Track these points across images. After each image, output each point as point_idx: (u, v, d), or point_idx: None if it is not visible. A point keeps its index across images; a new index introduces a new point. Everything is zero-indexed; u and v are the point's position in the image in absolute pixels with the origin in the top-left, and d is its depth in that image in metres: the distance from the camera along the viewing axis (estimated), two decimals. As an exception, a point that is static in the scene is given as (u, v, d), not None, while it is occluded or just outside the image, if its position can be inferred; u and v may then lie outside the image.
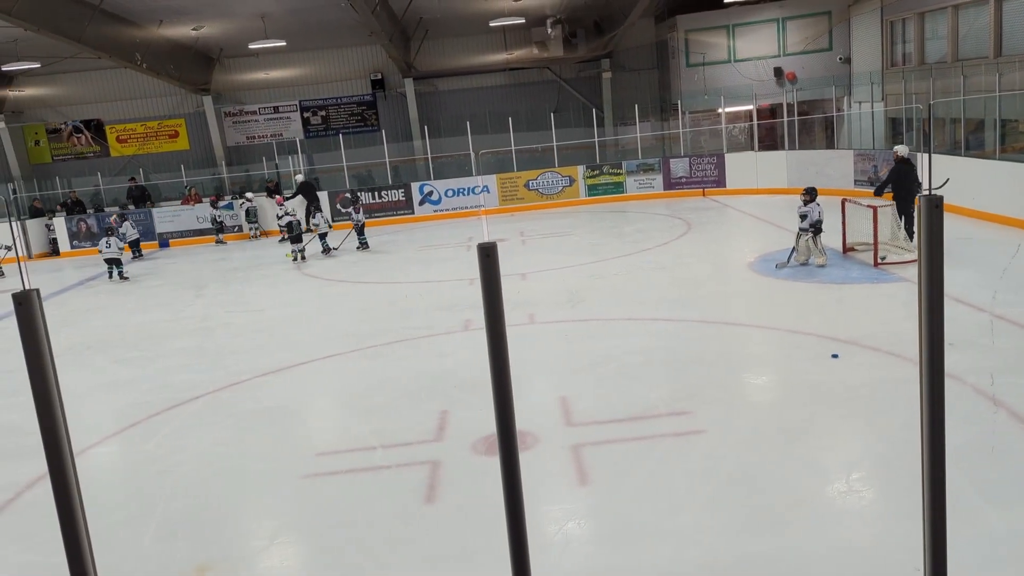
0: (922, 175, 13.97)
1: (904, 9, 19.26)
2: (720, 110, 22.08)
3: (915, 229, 11.81)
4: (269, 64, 25.68)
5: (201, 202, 22.13)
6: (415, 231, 19.91)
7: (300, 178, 21.44)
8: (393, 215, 21.86)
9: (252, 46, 22.31)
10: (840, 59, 22.31)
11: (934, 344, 2.03)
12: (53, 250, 21.70)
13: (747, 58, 22.89)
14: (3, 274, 18.11)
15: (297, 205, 20.07)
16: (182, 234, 21.79)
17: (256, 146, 26.30)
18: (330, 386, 8.78)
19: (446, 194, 21.94)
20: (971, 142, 16.33)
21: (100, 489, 6.32)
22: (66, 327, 12.44)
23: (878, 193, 12.67)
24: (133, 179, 23.86)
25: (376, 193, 21.96)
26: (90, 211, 22.46)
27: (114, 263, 16.50)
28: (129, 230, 19.37)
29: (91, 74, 24.99)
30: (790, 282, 11.07)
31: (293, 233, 16.94)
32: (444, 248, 16.91)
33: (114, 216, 19.19)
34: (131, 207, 22.55)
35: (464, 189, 22.01)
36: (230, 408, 8.11)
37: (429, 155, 23.08)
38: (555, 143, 22.03)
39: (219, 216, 21.19)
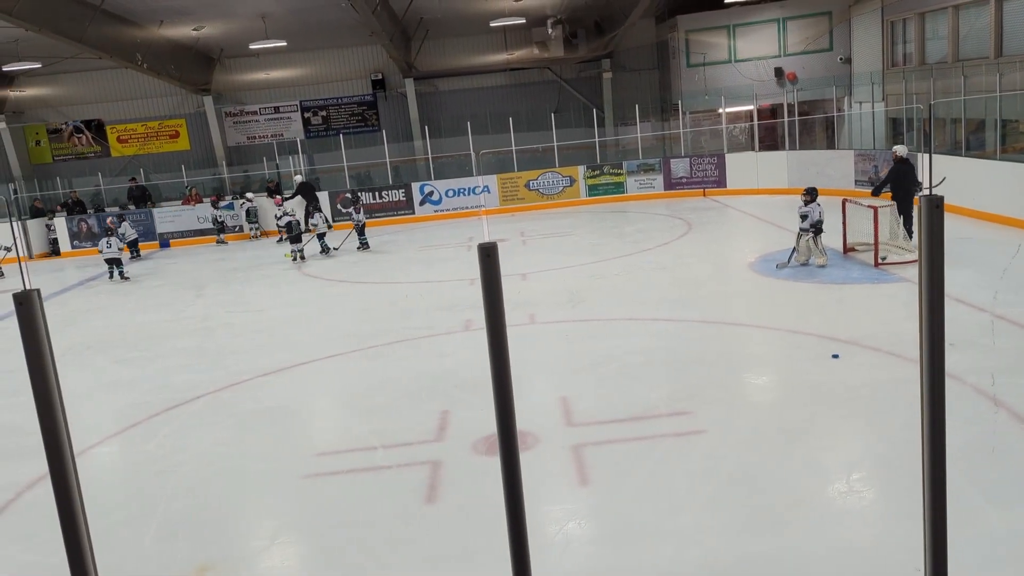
0: (922, 175, 13.98)
1: (904, 9, 19.25)
2: (721, 110, 22.08)
3: (913, 229, 11.85)
4: (270, 64, 25.69)
5: (202, 202, 22.14)
6: (416, 231, 19.91)
7: (299, 179, 21.46)
8: (394, 215, 21.86)
9: (253, 46, 22.32)
10: (841, 59, 22.30)
11: (935, 344, 2.03)
12: (53, 250, 21.71)
13: (748, 58, 22.89)
14: (3, 274, 18.12)
15: (296, 205, 20.08)
16: (183, 234, 21.80)
17: (257, 146, 26.31)
18: (331, 386, 8.79)
19: (447, 194, 21.94)
20: (972, 142, 16.33)
21: (101, 489, 6.33)
22: (67, 327, 12.44)
23: (875, 193, 12.69)
24: (134, 179, 23.86)
25: (377, 193, 21.97)
26: (90, 211, 22.47)
27: (115, 263, 16.51)
28: (128, 230, 19.37)
29: (92, 74, 25.01)
30: (791, 282, 11.07)
31: (292, 233, 16.95)
32: (445, 248, 16.91)
33: (110, 219, 19.16)
34: (131, 207, 22.56)
35: (465, 189, 22.01)
36: (231, 408, 8.11)
37: (430, 155, 23.09)
38: (555, 143, 22.04)
39: (220, 216, 21.21)
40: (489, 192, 21.92)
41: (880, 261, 11.28)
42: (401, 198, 21.95)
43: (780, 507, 5.09)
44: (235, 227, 21.48)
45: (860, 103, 21.57)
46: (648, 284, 11.89)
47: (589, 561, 4.75)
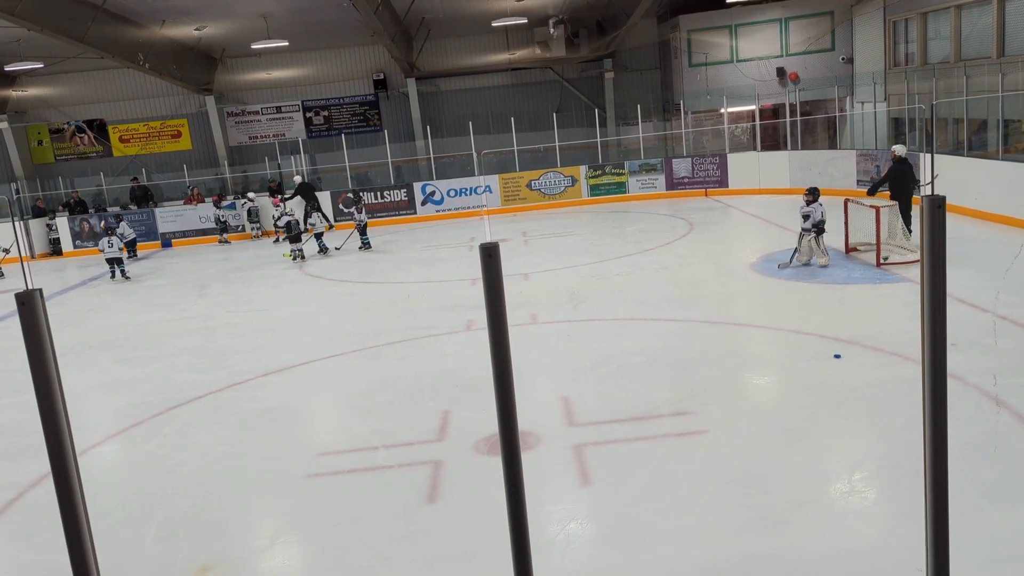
0: (924, 176, 13.98)
1: (906, 9, 19.24)
2: (722, 110, 22.07)
3: (911, 228, 11.87)
4: (271, 64, 25.71)
5: (204, 202, 22.16)
6: (417, 231, 19.91)
7: (299, 179, 21.50)
8: (395, 215, 21.87)
9: (254, 46, 22.34)
10: (842, 59, 22.29)
11: (936, 344, 2.03)
12: (55, 250, 21.73)
13: (749, 58, 22.88)
14: (2, 275, 18.14)
15: (296, 206, 20.10)
16: (184, 234, 21.82)
17: (259, 146, 26.33)
18: (332, 386, 8.79)
19: (448, 194, 21.95)
20: (974, 142, 16.32)
21: (102, 489, 6.33)
22: (68, 327, 12.45)
23: (871, 192, 12.70)
24: (136, 179, 23.88)
25: (378, 193, 21.98)
26: (91, 211, 22.49)
27: (116, 262, 16.53)
28: (126, 230, 19.38)
29: (94, 74, 25.03)
30: (792, 282, 11.06)
31: (292, 233, 16.97)
32: (446, 248, 16.91)
33: (103, 223, 19.16)
34: (133, 207, 22.58)
35: (466, 189, 22.01)
36: (232, 408, 8.12)
37: (431, 155, 23.10)
38: (557, 143, 22.04)
39: (223, 216, 21.24)
40: (491, 192, 21.92)
41: (882, 261, 11.27)
42: (403, 198, 21.96)
43: (782, 507, 5.09)
44: (238, 227, 21.52)
45: (862, 103, 21.56)
46: (650, 284, 11.89)
47: (590, 561, 4.74)
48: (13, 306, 1.98)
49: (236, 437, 7.29)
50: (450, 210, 21.83)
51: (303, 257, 16.84)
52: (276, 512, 5.86)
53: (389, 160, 22.73)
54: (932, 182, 11.09)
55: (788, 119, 21.44)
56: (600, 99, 25.82)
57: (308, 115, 26.72)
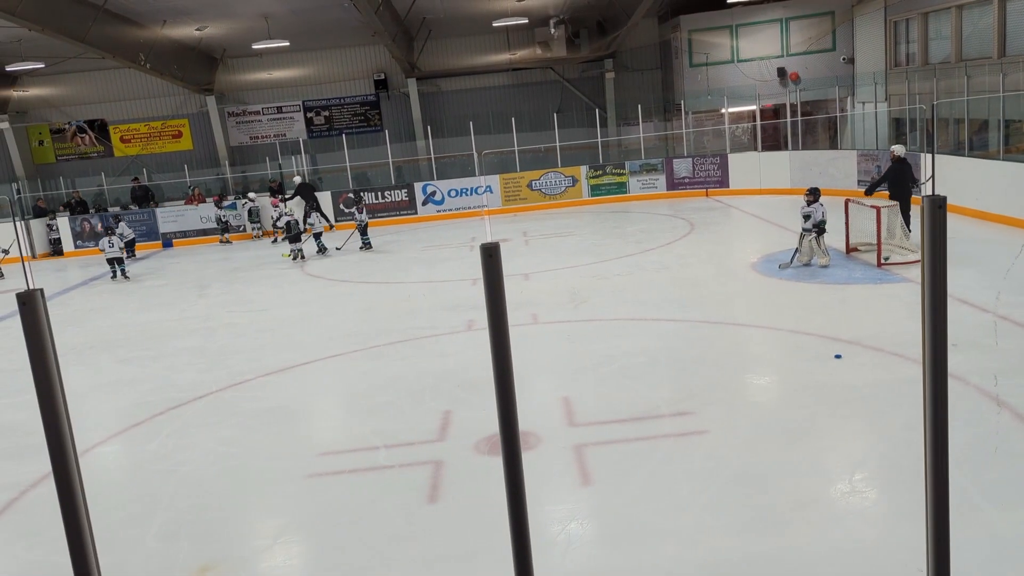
0: (925, 176, 13.99)
1: (907, 9, 19.23)
2: (723, 110, 22.07)
3: (910, 228, 11.88)
4: (272, 64, 25.71)
5: (205, 202, 22.18)
6: (418, 231, 19.92)
7: (298, 179, 21.52)
8: (396, 215, 21.88)
9: (255, 46, 22.34)
10: (843, 59, 22.28)
11: (937, 345, 2.03)
12: (55, 250, 21.74)
13: (750, 58, 22.87)
14: (2, 275, 18.15)
15: (295, 206, 20.12)
16: (185, 234, 21.84)
17: (260, 146, 26.33)
18: (333, 386, 8.79)
19: (449, 194, 21.95)
20: (975, 142, 16.31)
21: (103, 488, 6.34)
22: (69, 326, 12.46)
23: (869, 192, 12.70)
24: (136, 179, 23.89)
25: (379, 193, 21.98)
26: (92, 211, 22.50)
27: (116, 262, 16.55)
28: (126, 230, 19.38)
29: (95, 74, 25.04)
30: (793, 282, 11.06)
31: (291, 233, 16.97)
32: (447, 248, 16.92)
33: (100, 224, 19.15)
34: (133, 207, 22.59)
35: (467, 189, 22.02)
36: (233, 408, 8.12)
37: (432, 155, 23.09)
38: (558, 143, 22.04)
39: (224, 216, 21.25)
40: (491, 192, 21.92)
41: (883, 261, 11.27)
42: (404, 198, 21.96)
43: (782, 507, 5.09)
44: (239, 227, 21.53)
45: (863, 103, 21.54)
46: (650, 284, 11.89)
47: (591, 561, 4.75)
48: (14, 306, 1.98)
49: (237, 437, 7.29)
50: (451, 210, 21.83)
51: (303, 257, 16.84)
52: (277, 512, 5.86)
53: (390, 160, 22.74)
54: (929, 181, 11.11)
55: (789, 119, 21.44)
56: (601, 99, 25.82)
57: (309, 115, 26.72)
